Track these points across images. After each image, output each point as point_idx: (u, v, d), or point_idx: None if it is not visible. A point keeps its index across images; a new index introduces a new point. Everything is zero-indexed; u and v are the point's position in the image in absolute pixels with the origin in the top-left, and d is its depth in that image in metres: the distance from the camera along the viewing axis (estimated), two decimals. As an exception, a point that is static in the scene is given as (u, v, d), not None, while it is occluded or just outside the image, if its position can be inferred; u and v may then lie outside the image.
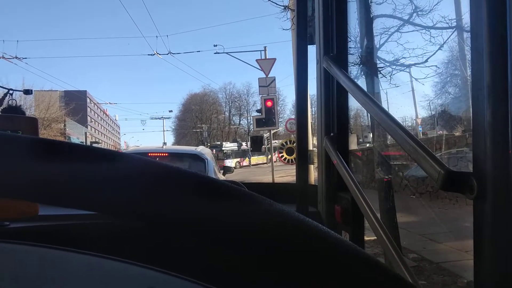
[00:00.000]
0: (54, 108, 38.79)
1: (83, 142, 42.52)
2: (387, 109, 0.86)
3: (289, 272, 0.33)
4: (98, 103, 74.94)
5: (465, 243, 5.18)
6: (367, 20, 3.15)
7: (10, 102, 1.33)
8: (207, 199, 0.32)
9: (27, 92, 1.71)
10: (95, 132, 74.41)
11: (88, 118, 69.62)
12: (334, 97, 1.19)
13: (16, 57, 22.05)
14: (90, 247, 0.64)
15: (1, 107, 1.31)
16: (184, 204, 0.32)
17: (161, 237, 0.55)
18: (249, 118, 60.39)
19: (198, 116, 65.48)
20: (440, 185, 0.59)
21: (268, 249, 0.32)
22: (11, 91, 1.45)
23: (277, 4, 7.88)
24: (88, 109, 70.89)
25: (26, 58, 22.91)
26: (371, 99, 0.90)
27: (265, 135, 14.07)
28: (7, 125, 1.07)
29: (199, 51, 40.61)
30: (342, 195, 1.13)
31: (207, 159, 5.68)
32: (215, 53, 17.50)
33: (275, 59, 11.98)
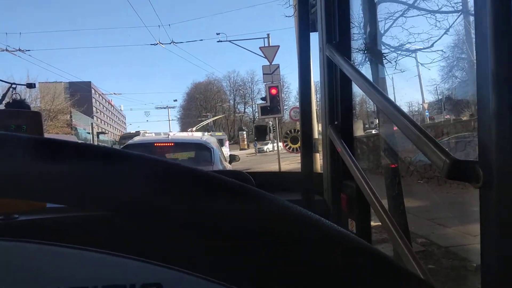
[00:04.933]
0: (59, 99, 39.00)
1: (89, 133, 42.75)
2: (392, 95, 0.86)
3: (291, 268, 0.32)
4: (103, 93, 75.17)
5: (474, 227, 5.17)
6: (371, 5, 3.09)
7: (14, 96, 1.33)
8: (208, 195, 0.32)
9: (30, 85, 1.70)
10: (101, 122, 74.79)
11: (94, 109, 69.93)
12: (337, 85, 1.17)
13: (19, 50, 22.11)
14: (97, 241, 0.64)
15: (5, 102, 1.31)
16: (185, 201, 0.31)
17: (164, 233, 0.55)
18: (254, 106, 60.34)
19: (203, 105, 65.53)
20: (445, 174, 0.58)
21: (270, 245, 0.32)
22: (14, 85, 1.44)
23: (279, -10, 7.76)
24: (93, 100, 71.16)
25: (29, 50, 23.00)
26: (374, 87, 0.89)
27: (270, 122, 14.03)
28: (11, 120, 1.07)
29: (202, 40, 40.39)
30: (347, 183, 1.13)
31: (213, 148, 5.69)
32: (218, 41, 17.43)
33: (278, 46, 11.87)
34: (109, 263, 0.46)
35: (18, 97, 1.32)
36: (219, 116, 51.56)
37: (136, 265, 0.45)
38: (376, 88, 0.86)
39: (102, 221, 0.84)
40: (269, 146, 42.61)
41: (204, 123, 40.20)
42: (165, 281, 0.45)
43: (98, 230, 0.83)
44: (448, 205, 6.93)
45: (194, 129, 32.81)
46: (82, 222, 0.91)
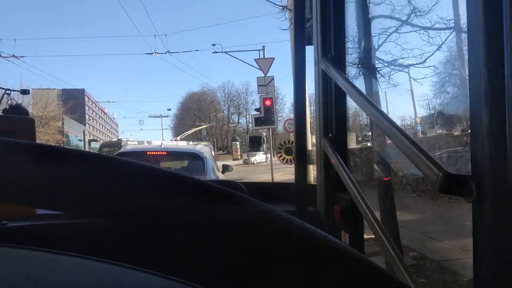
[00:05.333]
0: (52, 106, 38.76)
1: (81, 140, 42.46)
2: (385, 109, 0.87)
3: (280, 274, 0.32)
4: (96, 101, 74.83)
5: (465, 241, 5.17)
6: (365, 21, 3.14)
7: (9, 101, 1.32)
8: (203, 202, 0.32)
9: (24, 92, 1.71)
10: (93, 130, 74.32)
11: (86, 116, 69.50)
12: (332, 98, 1.19)
13: (13, 56, 22.01)
14: (88, 248, 0.64)
15: (1, 108, 1.30)
16: (179, 207, 0.31)
17: (159, 240, 0.55)
18: (247, 116, 60.51)
19: (197, 115, 65.52)
20: (438, 188, 0.59)
21: (260, 251, 0.32)
22: (8, 91, 1.44)
23: (275, 4, 7.86)
24: (86, 108, 70.79)
25: (23, 56, 22.87)
26: (368, 100, 0.90)
27: (264, 133, 14.06)
28: (3, 126, 1.06)
29: (197, 50, 40.55)
30: (341, 195, 1.14)
31: (206, 157, 5.67)
32: (213, 52, 17.53)
33: (273, 58, 11.98)
34: (102, 271, 0.45)
35: (14, 103, 1.32)
36: (203, 126, 51.21)
37: (134, 275, 0.45)
38: (370, 101, 0.87)
39: (93, 228, 0.83)
40: (256, 158, 41.83)
41: (188, 133, 39.85)
42: None
43: (90, 237, 0.82)
44: (440, 219, 6.94)
45: (178, 138, 32.36)
46: (74, 228, 0.90)
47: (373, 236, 0.90)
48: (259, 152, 42.23)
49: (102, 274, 0.44)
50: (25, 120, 1.04)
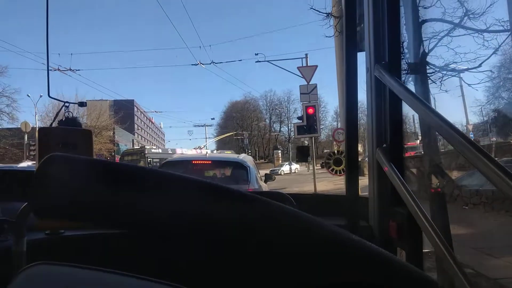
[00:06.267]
0: (104, 116, 40.92)
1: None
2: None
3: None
4: (144, 111, 78.09)
5: (525, 258, 4.81)
6: (415, 25, 3.03)
7: (66, 114, 1.39)
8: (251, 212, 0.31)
9: (82, 104, 1.79)
10: (141, 139, 77.45)
11: (135, 126, 72.65)
12: (386, 107, 1.13)
13: (70, 69, 23.55)
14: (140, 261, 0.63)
15: (58, 119, 1.37)
16: (224, 217, 0.31)
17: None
18: (289, 125, 60.45)
19: (239, 123, 66.38)
20: None
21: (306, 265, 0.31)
22: (67, 103, 1.51)
23: (320, 12, 7.80)
24: (135, 117, 74.03)
25: (79, 70, 24.43)
26: (430, 108, 0.84)
27: (306, 142, 13.93)
28: (63, 137, 1.11)
29: (240, 60, 41.24)
30: (397, 209, 1.08)
31: (249, 166, 5.70)
32: (256, 61, 17.77)
33: (316, 66, 11.91)
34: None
35: (71, 115, 1.39)
36: (228, 134, 51.70)
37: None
38: (432, 109, 0.82)
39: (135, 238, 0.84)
40: (283, 169, 40.28)
41: (212, 140, 40.27)
42: None
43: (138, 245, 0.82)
44: (496, 234, 6.51)
45: (202, 146, 32.92)
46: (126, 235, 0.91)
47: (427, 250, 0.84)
48: (285, 163, 41.37)
49: None
50: (84, 132, 1.09)
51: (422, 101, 0.87)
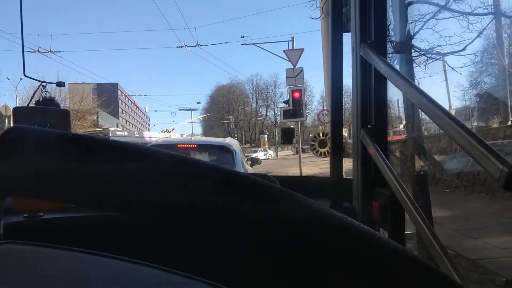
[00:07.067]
0: (87, 100, 40.11)
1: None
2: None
3: (324, 272, 0.30)
4: (128, 95, 76.83)
5: (503, 239, 4.96)
6: (401, 6, 3.01)
7: (44, 94, 1.33)
8: (236, 194, 0.30)
9: (60, 84, 1.72)
10: (126, 123, 76.43)
11: (120, 110, 71.55)
12: (371, 87, 1.12)
13: (50, 51, 22.89)
14: (120, 243, 0.61)
15: (35, 99, 1.32)
16: (213, 200, 0.29)
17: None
18: (276, 109, 60.41)
19: (225, 108, 66.04)
20: (503, 184, 0.53)
21: (302, 248, 0.30)
22: (44, 83, 1.45)
23: (306, -7, 7.72)
24: (119, 101, 72.82)
25: (60, 51, 23.77)
26: (415, 86, 0.83)
27: (292, 126, 13.98)
28: (39, 117, 1.07)
29: (226, 43, 40.35)
30: (380, 190, 1.08)
31: (235, 150, 5.69)
32: (242, 44, 17.56)
33: (303, 49, 11.79)
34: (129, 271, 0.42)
35: (48, 96, 1.33)
36: (201, 116, 51.67)
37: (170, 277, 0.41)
38: (418, 88, 0.81)
39: (125, 222, 0.82)
40: (258, 154, 38.91)
41: (179, 125, 40.29)
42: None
43: (122, 231, 0.80)
44: (476, 216, 6.69)
45: (170, 129, 32.67)
46: (105, 218, 0.89)
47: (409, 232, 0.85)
48: (259, 149, 41.32)
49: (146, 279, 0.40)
50: (61, 112, 1.05)
51: (407, 79, 0.86)
